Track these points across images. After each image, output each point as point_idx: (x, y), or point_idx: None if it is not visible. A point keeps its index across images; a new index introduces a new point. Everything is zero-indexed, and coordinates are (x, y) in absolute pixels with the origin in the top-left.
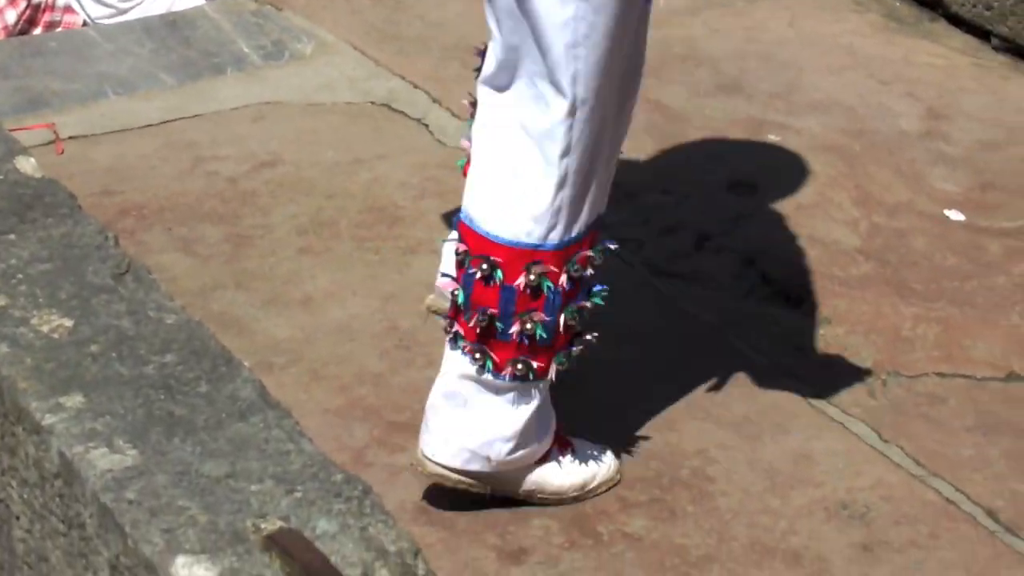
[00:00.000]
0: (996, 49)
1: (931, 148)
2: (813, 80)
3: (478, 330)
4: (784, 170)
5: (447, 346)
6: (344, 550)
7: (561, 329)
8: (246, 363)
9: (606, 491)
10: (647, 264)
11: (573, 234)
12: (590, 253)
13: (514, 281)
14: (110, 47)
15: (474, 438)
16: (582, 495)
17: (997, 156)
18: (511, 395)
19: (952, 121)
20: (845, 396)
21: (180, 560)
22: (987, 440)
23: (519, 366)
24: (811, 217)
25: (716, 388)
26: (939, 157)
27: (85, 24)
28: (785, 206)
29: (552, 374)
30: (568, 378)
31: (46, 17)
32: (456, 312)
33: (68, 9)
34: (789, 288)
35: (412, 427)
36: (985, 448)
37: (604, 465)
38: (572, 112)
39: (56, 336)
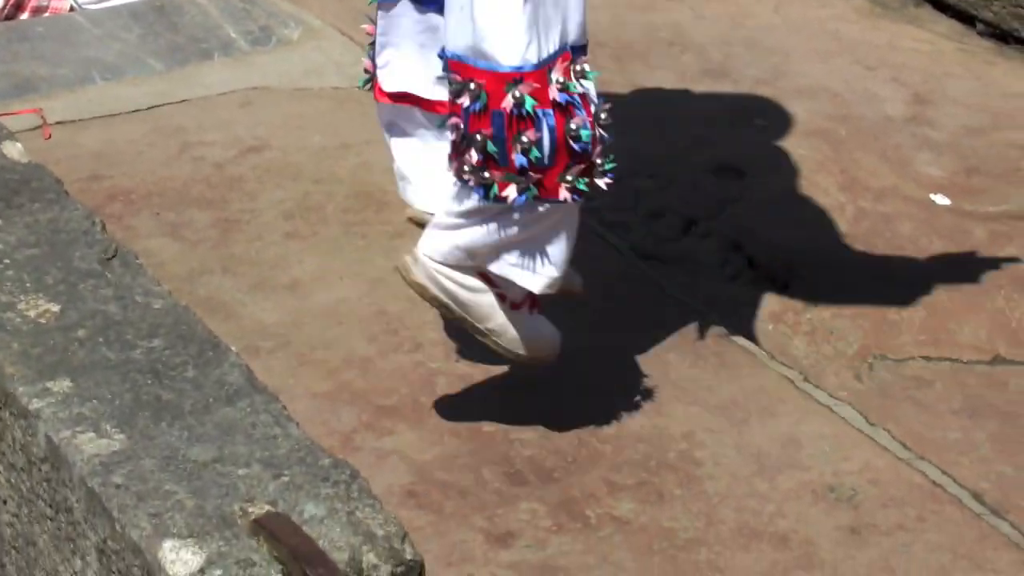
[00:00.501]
0: (981, 34)
1: (917, 133)
2: (799, 66)
3: (480, 156)
4: (770, 155)
5: (453, 184)
6: (332, 534)
7: (562, 147)
8: (233, 348)
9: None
10: (634, 248)
11: (552, 50)
12: (567, 63)
13: (500, 105)
14: (97, 32)
15: (468, 241)
16: (521, 359)
17: (982, 141)
18: (513, 214)
19: (937, 106)
20: (832, 380)
21: (168, 544)
22: (973, 423)
23: (520, 185)
24: (797, 202)
25: (703, 372)
26: (924, 142)
27: (72, 9)
28: (771, 191)
29: (563, 194)
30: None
31: (33, 2)
32: (459, 145)
33: None
34: (776, 272)
35: (400, 411)
36: (971, 431)
37: (549, 339)
38: None
39: (43, 321)
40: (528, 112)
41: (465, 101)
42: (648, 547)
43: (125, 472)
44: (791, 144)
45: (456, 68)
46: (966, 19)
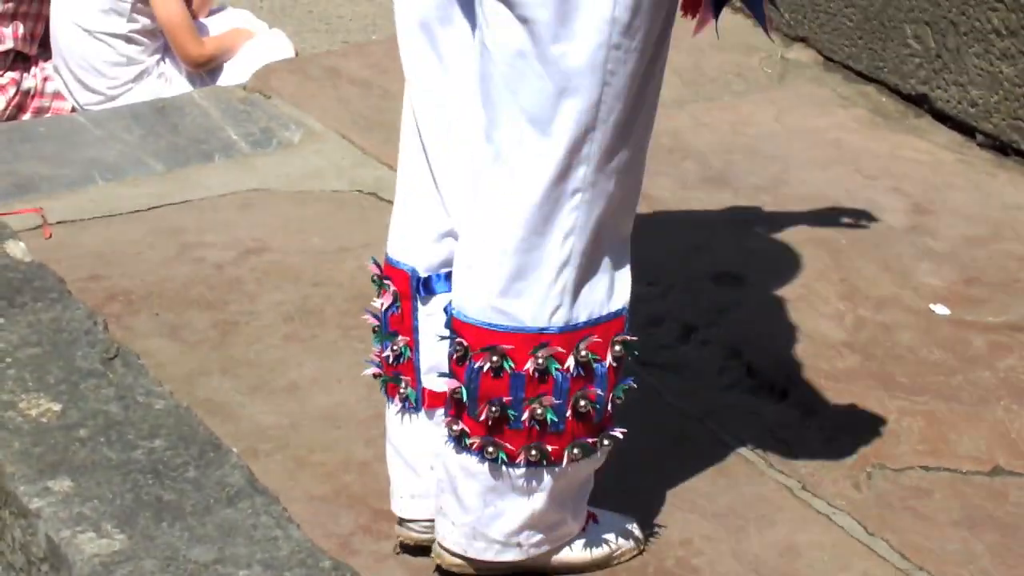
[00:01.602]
0: (981, 145)
1: (917, 243)
2: (799, 174)
3: (489, 423)
4: (770, 263)
5: (449, 447)
6: None
7: (571, 415)
8: (235, 449)
9: (630, 559)
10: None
11: (582, 319)
12: (600, 340)
13: (523, 367)
14: (99, 133)
15: (498, 529)
16: (607, 563)
17: (982, 251)
18: (529, 481)
19: (938, 216)
20: (830, 489)
21: None
22: (972, 535)
23: (533, 452)
24: (797, 310)
25: (701, 479)
26: (925, 252)
27: (74, 110)
28: (771, 299)
29: (566, 461)
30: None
31: (35, 103)
32: (458, 410)
33: (57, 95)
34: (774, 380)
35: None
36: (970, 542)
37: (629, 535)
38: (576, 192)
39: (44, 420)
40: (550, 373)
41: (482, 365)
42: None
43: (126, 572)
44: (791, 252)
45: (465, 330)
46: (966, 130)
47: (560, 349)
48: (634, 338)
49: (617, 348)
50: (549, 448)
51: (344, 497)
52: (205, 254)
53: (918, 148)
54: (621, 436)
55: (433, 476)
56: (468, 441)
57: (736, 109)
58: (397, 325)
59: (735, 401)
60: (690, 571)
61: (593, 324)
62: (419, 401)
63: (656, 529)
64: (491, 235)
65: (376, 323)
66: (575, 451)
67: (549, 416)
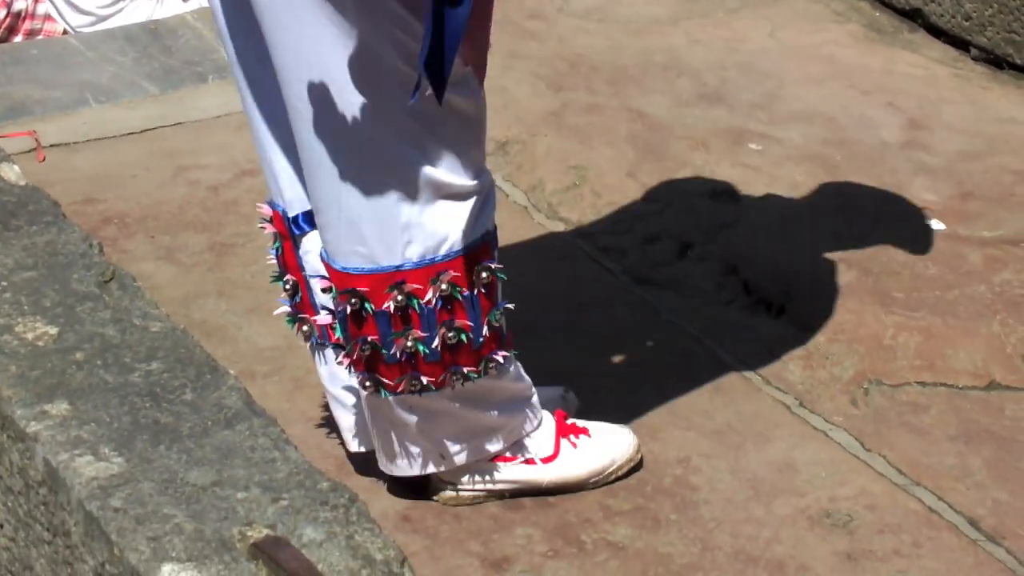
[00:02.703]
0: (975, 59)
1: (912, 158)
2: (794, 90)
3: (365, 359)
4: (766, 180)
5: (353, 379)
6: (331, 558)
7: (440, 346)
8: (232, 371)
9: (628, 473)
10: (629, 272)
11: (441, 252)
12: (459, 273)
13: (382, 305)
14: (91, 55)
15: (410, 447)
16: (603, 479)
17: (977, 166)
18: (417, 406)
19: (932, 131)
20: (827, 405)
21: (166, 568)
22: (969, 449)
23: (413, 383)
24: (793, 226)
25: (698, 397)
26: (920, 167)
27: (66, 32)
28: (767, 215)
29: (449, 386)
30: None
31: (26, 25)
32: (339, 345)
33: (48, 17)
34: (771, 297)
35: None
36: (967, 457)
37: (622, 446)
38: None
39: (41, 344)
40: (412, 308)
41: (344, 308)
42: (643, 573)
43: (124, 495)
44: (787, 169)
45: (330, 273)
46: (960, 44)
47: (417, 286)
48: (499, 265)
49: (484, 275)
50: (425, 379)
51: None
52: (200, 176)
53: (912, 63)
54: (503, 360)
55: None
56: (356, 375)
57: (730, 25)
58: (284, 265)
59: (732, 318)
60: (688, 489)
61: (452, 257)
62: (325, 336)
63: (654, 447)
64: (327, 181)
65: (274, 263)
66: (454, 378)
67: (420, 348)
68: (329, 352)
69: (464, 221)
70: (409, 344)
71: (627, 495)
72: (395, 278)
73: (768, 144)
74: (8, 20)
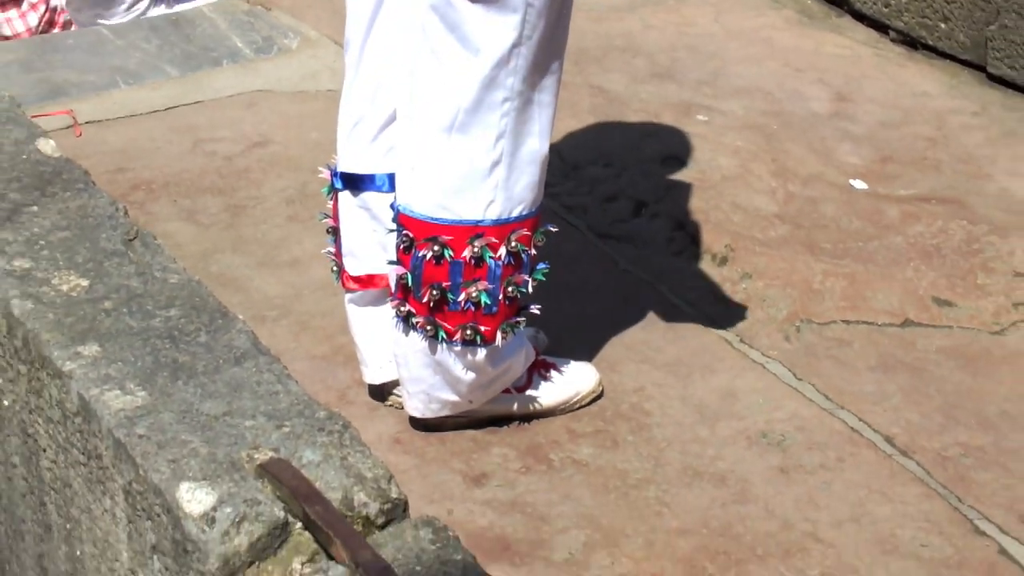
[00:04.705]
0: (894, 41)
1: (839, 127)
2: (736, 68)
3: (431, 304)
4: (711, 146)
5: (399, 327)
6: (327, 476)
7: (503, 298)
8: (241, 317)
9: (591, 402)
10: (591, 228)
11: (513, 214)
12: (528, 232)
13: (460, 254)
14: (121, 43)
15: (447, 393)
16: (569, 408)
17: (895, 133)
18: (465, 355)
19: (856, 104)
20: (764, 341)
21: (184, 486)
22: (886, 377)
23: (468, 331)
24: (734, 187)
25: (652, 335)
26: (845, 135)
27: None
28: (711, 177)
29: (499, 340)
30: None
31: (62, 18)
32: (405, 293)
33: None
34: (715, 248)
35: None
36: (884, 384)
37: (586, 379)
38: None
39: (74, 294)
40: (484, 261)
41: (426, 253)
42: (604, 486)
43: (147, 424)
44: (729, 137)
45: (411, 224)
46: (880, 27)
47: (493, 239)
48: (554, 228)
49: (539, 238)
50: (482, 328)
51: (341, 356)
52: (216, 147)
53: (839, 44)
54: (538, 312)
55: (369, 346)
56: (414, 320)
57: (679, 12)
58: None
59: (681, 266)
60: (643, 414)
61: (523, 219)
62: (337, 279)
63: (613, 378)
64: (430, 139)
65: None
66: (506, 329)
67: (483, 299)
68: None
69: (538, 187)
70: (475, 294)
71: (590, 420)
72: (476, 231)
73: (713, 115)
74: (48, 14)
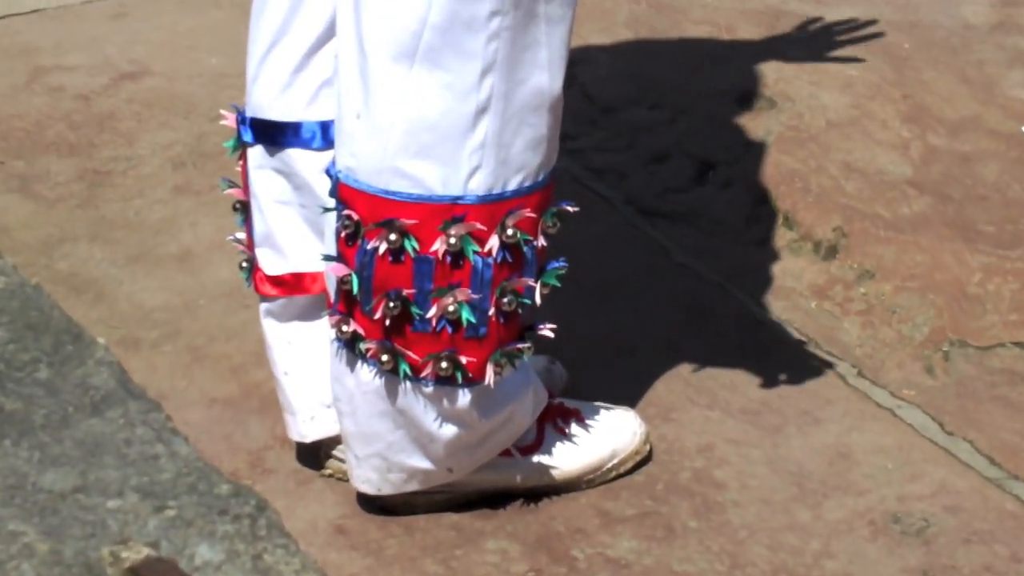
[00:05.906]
0: None
1: (1005, 45)
2: None
3: (387, 321)
4: (811, 78)
5: (338, 354)
6: None
7: (495, 314)
8: (102, 340)
9: (633, 468)
10: (632, 202)
11: (508, 187)
12: (533, 214)
13: (430, 248)
14: None
15: (415, 455)
16: (600, 477)
17: None
18: (442, 400)
19: None
20: (895, 374)
21: None
22: None
23: (443, 364)
24: (847, 139)
25: (725, 365)
26: (1016, 57)
27: None
28: (813, 124)
29: (490, 377)
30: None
31: None
32: (349, 305)
33: None
34: (819, 232)
35: None
36: None
37: (625, 434)
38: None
39: None
40: (466, 257)
41: (377, 244)
42: None
43: None
44: (839, 62)
45: (356, 199)
46: None
47: (479, 226)
48: (575, 208)
49: (550, 222)
50: (464, 360)
51: (255, 399)
52: (65, 81)
53: None
54: (551, 334)
55: (297, 384)
56: (363, 346)
57: None
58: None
59: (767, 260)
60: (712, 486)
61: (525, 193)
62: (249, 281)
63: (666, 432)
64: (382, 72)
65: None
66: (500, 361)
67: (465, 315)
68: (289, 303)
69: (547, 145)
70: (452, 308)
71: (631, 496)
72: (452, 211)
73: (815, 29)
74: None
